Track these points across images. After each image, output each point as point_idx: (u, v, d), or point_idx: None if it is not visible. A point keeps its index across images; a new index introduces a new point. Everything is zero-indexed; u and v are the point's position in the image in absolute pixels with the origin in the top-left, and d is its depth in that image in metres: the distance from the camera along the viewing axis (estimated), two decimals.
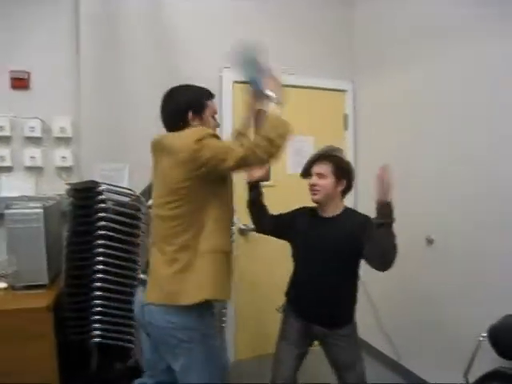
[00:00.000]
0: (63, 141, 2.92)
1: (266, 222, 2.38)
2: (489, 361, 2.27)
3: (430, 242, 2.85)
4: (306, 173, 2.24)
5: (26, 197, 2.68)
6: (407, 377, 3.09)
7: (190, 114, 1.84)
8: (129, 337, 2.45)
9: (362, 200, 3.57)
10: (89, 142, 2.88)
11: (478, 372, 2.25)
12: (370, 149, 3.53)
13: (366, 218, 2.14)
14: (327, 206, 2.19)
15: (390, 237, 1.92)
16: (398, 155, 3.16)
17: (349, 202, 3.55)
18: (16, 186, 2.81)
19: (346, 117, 3.66)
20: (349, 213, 2.22)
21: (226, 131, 3.19)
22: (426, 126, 2.90)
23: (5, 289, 2.49)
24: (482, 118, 2.50)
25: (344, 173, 2.16)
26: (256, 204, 2.37)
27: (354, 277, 2.23)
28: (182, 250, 1.72)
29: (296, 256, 2.32)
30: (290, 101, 3.32)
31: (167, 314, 1.72)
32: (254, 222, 2.41)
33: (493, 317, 2.27)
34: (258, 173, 2.29)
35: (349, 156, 3.61)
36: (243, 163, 1.68)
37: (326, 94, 3.58)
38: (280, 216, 2.39)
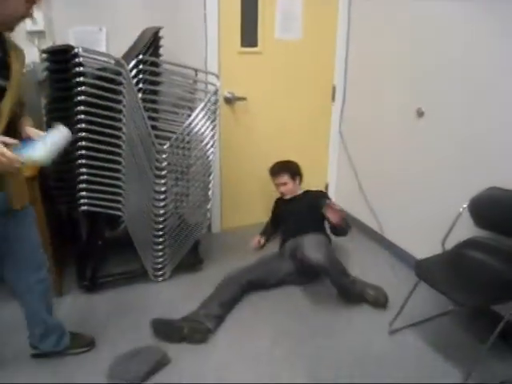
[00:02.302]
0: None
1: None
2: (466, 231, 2.36)
3: (420, 114, 2.80)
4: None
5: None
6: (389, 247, 3.23)
7: None
8: (116, 204, 2.45)
9: (352, 71, 3.45)
10: (60, 2, 2.63)
11: (455, 241, 2.35)
12: (363, 14, 3.27)
13: (319, 192, 3.27)
14: (292, 194, 3.21)
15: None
16: (393, 23, 2.97)
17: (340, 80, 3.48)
18: None
19: None
20: (305, 192, 3.21)
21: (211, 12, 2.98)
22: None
23: None
24: None
25: (296, 173, 3.20)
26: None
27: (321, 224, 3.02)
28: None
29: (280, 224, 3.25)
30: None
31: None
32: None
33: (475, 189, 2.32)
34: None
35: (341, 22, 3.40)
36: None
37: None
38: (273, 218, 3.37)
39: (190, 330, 2.29)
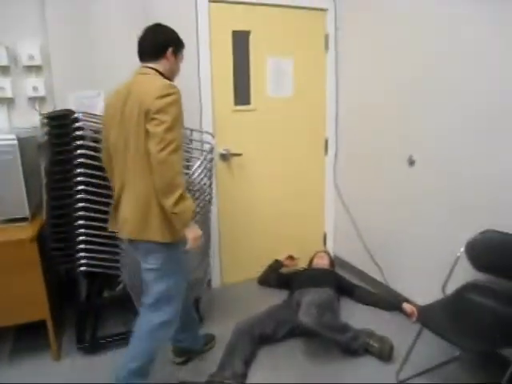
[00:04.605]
0: (33, 69, 2.78)
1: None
2: (468, 275, 2.36)
3: (411, 162, 2.87)
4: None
5: None
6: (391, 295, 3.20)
7: (170, 50, 1.98)
8: (115, 264, 2.46)
9: (343, 124, 3.55)
10: (60, 69, 2.75)
11: (455, 286, 2.34)
12: (351, 70, 3.44)
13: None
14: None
15: None
16: (379, 77, 3.11)
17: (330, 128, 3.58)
18: None
19: (327, 37, 3.51)
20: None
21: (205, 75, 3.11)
22: (410, 46, 2.82)
23: None
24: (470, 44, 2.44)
25: (333, 265, 3.54)
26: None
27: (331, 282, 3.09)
28: None
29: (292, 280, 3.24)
30: (269, 21, 3.25)
31: None
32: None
33: (470, 233, 2.34)
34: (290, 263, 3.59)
35: (329, 78, 3.55)
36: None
37: (306, 14, 3.41)
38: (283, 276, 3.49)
39: None
